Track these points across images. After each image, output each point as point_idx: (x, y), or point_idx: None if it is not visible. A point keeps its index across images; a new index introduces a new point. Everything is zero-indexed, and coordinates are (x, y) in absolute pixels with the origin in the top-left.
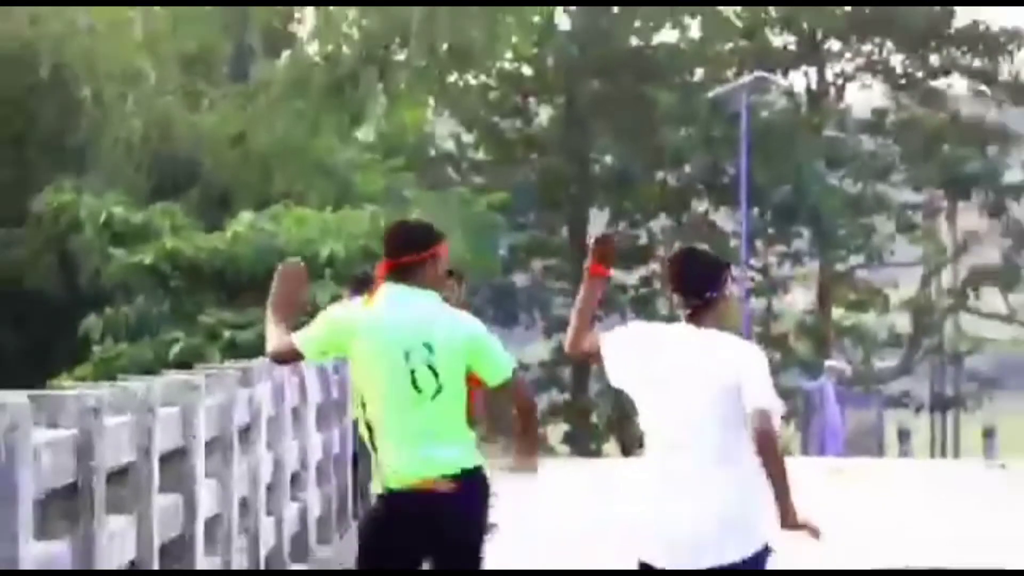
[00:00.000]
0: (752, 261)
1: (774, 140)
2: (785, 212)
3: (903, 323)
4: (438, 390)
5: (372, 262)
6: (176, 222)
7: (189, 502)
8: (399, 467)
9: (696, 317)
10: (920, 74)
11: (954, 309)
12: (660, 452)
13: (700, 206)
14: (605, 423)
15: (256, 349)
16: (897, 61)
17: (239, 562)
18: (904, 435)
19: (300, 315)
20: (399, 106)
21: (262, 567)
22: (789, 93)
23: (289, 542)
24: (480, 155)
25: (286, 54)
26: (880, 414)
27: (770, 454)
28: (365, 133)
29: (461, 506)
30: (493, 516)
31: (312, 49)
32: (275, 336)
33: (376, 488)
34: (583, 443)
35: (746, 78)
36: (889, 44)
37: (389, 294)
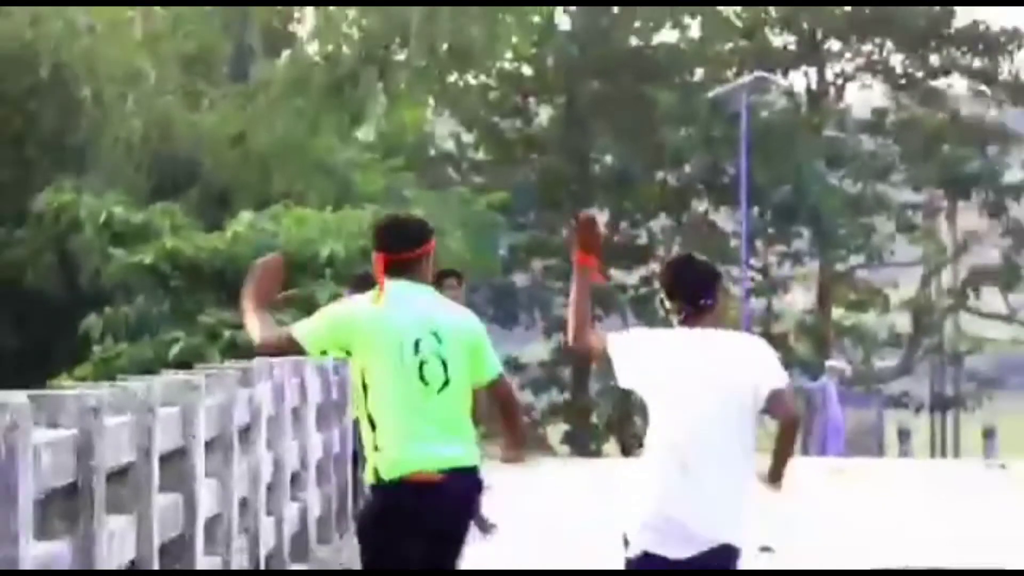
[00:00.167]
0: (752, 261)
1: (774, 140)
2: (785, 212)
3: (903, 323)
4: (445, 383)
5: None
6: (176, 222)
7: (189, 502)
8: (400, 459)
9: (690, 323)
10: (920, 74)
11: (954, 309)
12: (666, 452)
13: (700, 206)
14: (605, 423)
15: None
16: (897, 61)
17: (239, 562)
18: (904, 435)
19: (273, 308)
20: (399, 106)
21: (262, 567)
22: (789, 93)
23: (289, 542)
24: (480, 155)
25: (286, 54)
26: (880, 414)
27: (791, 431)
28: (365, 133)
29: (453, 498)
30: (493, 516)
31: (312, 49)
32: (263, 326)
33: (369, 478)
34: (583, 443)
35: (746, 78)
36: (889, 44)
37: (394, 289)
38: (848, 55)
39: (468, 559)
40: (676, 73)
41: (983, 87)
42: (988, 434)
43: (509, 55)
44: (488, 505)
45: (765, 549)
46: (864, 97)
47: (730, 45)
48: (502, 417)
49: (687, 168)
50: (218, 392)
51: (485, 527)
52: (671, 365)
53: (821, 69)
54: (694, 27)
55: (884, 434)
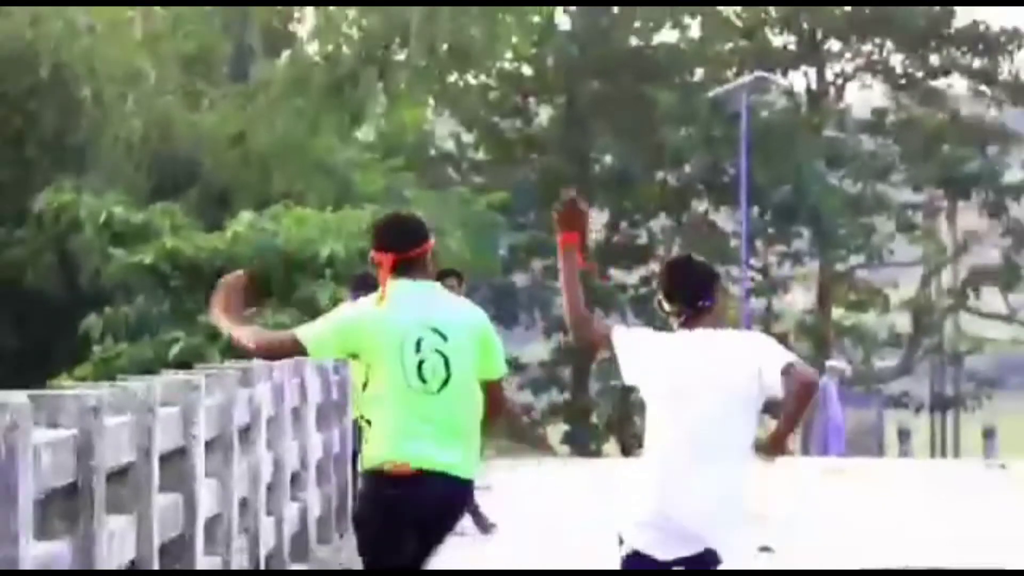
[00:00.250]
0: (752, 261)
1: (774, 140)
2: (785, 212)
3: (903, 323)
4: (445, 381)
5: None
6: (176, 222)
7: (189, 502)
8: (379, 453)
9: (689, 325)
10: (920, 74)
11: (954, 309)
12: (665, 452)
13: (700, 206)
14: (605, 423)
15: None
16: (897, 61)
17: (239, 562)
18: (904, 435)
19: (246, 320)
20: (399, 106)
21: (262, 567)
22: (789, 93)
23: (289, 542)
24: (480, 155)
25: (286, 54)
26: (880, 414)
27: (808, 390)
28: (365, 133)
29: (435, 498)
30: (493, 515)
31: (312, 49)
32: (252, 331)
33: (366, 464)
34: (583, 443)
35: (746, 78)
36: (889, 44)
37: (397, 289)
38: (848, 55)
39: (469, 559)
40: (676, 73)
41: (983, 87)
42: (988, 434)
43: (509, 55)
44: (488, 505)
45: (765, 549)
46: (864, 97)
47: (730, 45)
48: (488, 411)
49: (687, 168)
50: (218, 392)
51: (485, 527)
52: (671, 366)
53: (821, 69)
54: (694, 27)
55: (884, 434)
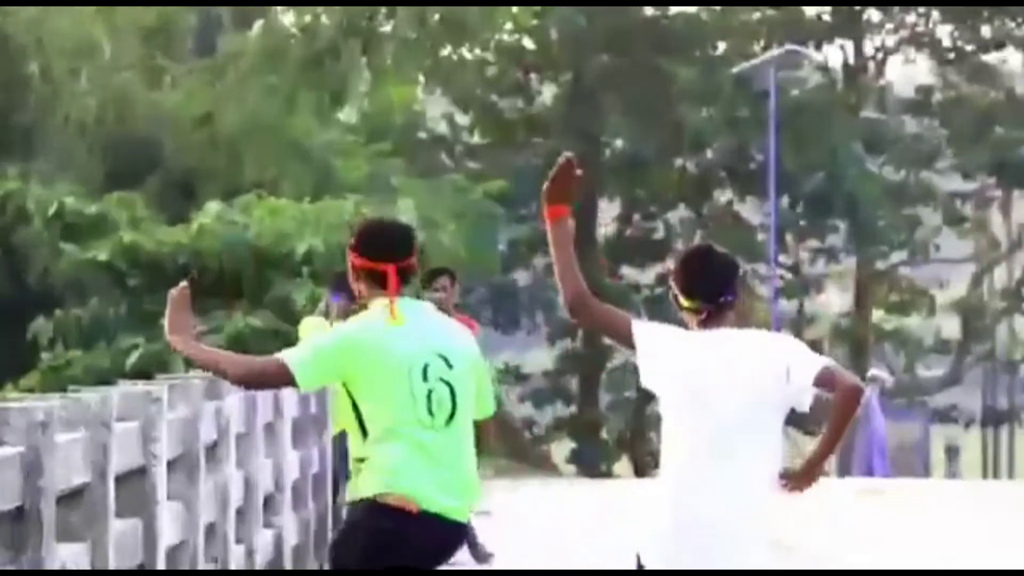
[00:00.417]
0: (781, 258)
1: (806, 121)
2: (818, 202)
3: (951, 327)
4: (451, 414)
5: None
6: (135, 213)
7: (149, 527)
8: (393, 489)
9: (710, 323)
10: (970, 47)
11: (1008, 311)
12: (686, 460)
13: (723, 196)
14: (616, 440)
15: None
16: (944, 33)
17: None
18: (952, 452)
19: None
20: (385, 83)
21: None
22: (823, 68)
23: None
24: (476, 138)
25: (258, 25)
26: (926, 429)
27: (853, 401)
28: (347, 113)
29: (431, 540)
30: (490, 544)
31: (287, 19)
32: (231, 359)
33: (349, 496)
34: (591, 462)
35: (775, 52)
36: (935, 14)
37: (404, 305)
38: (890, 26)
39: None
40: (696, 46)
41: None
42: None
43: (508, 26)
44: (486, 531)
45: None
46: (907, 73)
47: (757, 15)
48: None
49: (708, 153)
50: (182, 405)
51: (481, 555)
52: (689, 368)
53: (859, 42)
54: None
55: (930, 452)
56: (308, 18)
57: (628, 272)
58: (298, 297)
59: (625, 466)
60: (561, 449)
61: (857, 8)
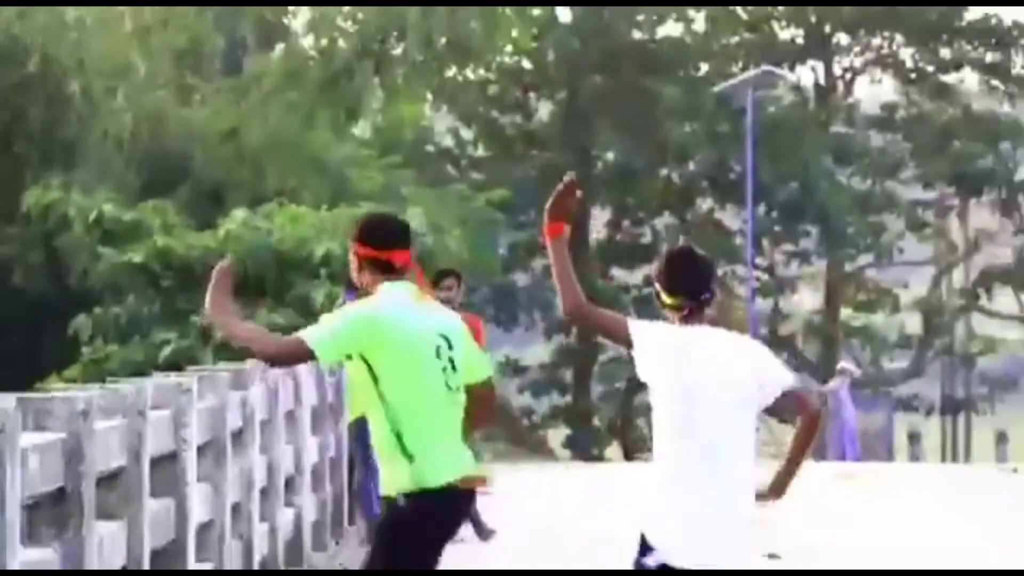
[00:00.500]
0: (758, 260)
1: (781, 136)
2: (792, 210)
3: (913, 324)
4: (457, 388)
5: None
6: (167, 220)
7: (180, 507)
8: (440, 467)
9: (692, 319)
10: (930, 68)
11: (965, 309)
12: (685, 453)
13: (705, 203)
14: (607, 427)
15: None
16: (907, 55)
17: (232, 569)
18: (914, 439)
19: (243, 318)
20: (396, 101)
21: None
22: (796, 88)
23: (283, 548)
24: (479, 151)
25: (280, 47)
26: (890, 417)
27: (814, 427)
28: (361, 129)
29: (466, 505)
30: (492, 521)
31: (307, 42)
32: (260, 334)
33: (399, 487)
34: (585, 447)
35: (752, 72)
36: (899, 38)
37: (411, 289)
38: (857, 49)
39: (468, 566)
40: (680, 67)
41: (995, 81)
42: (1000, 438)
43: (509, 49)
44: (488, 510)
45: (772, 556)
46: (873, 92)
47: (736, 39)
48: (477, 415)
49: (691, 164)
50: (210, 395)
51: (484, 533)
52: (681, 362)
53: (829, 63)
54: (699, 20)
55: (894, 438)
56: (326, 42)
57: (618, 274)
58: (317, 296)
59: (616, 450)
60: (557, 435)
61: (827, 32)
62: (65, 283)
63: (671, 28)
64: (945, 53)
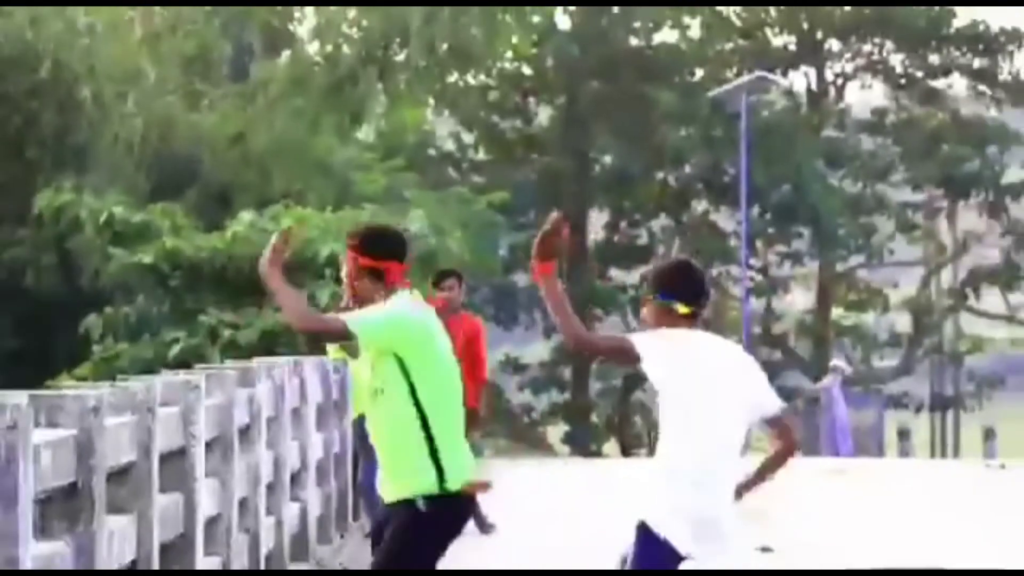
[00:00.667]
0: (752, 261)
1: (774, 140)
2: (785, 212)
3: (903, 323)
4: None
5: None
6: (176, 222)
7: (189, 501)
8: (463, 468)
9: (694, 322)
10: (920, 74)
11: (954, 309)
12: (699, 448)
13: (700, 206)
14: (605, 423)
15: (256, 349)
16: (897, 61)
17: (239, 562)
18: (904, 435)
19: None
20: (399, 106)
21: (262, 567)
22: (789, 93)
23: (289, 542)
24: (480, 155)
25: (286, 54)
26: (880, 414)
27: (788, 456)
28: (365, 133)
29: (474, 507)
30: (492, 515)
31: (312, 49)
32: (309, 311)
33: (430, 489)
34: (583, 443)
35: (746, 78)
36: (889, 44)
37: (419, 299)
38: (848, 55)
39: (468, 559)
40: (676, 73)
41: (983, 87)
42: (988, 435)
43: (509, 55)
44: (488, 505)
45: (765, 549)
46: (864, 97)
47: (730, 45)
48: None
49: (687, 168)
50: (218, 392)
51: (484, 526)
52: (697, 364)
53: (821, 69)
54: (694, 27)
55: (884, 434)
56: (330, 48)
57: (616, 274)
58: (321, 296)
59: (613, 446)
60: (556, 432)
61: (819, 38)
62: (76, 283)
63: (667, 35)
64: (934, 59)
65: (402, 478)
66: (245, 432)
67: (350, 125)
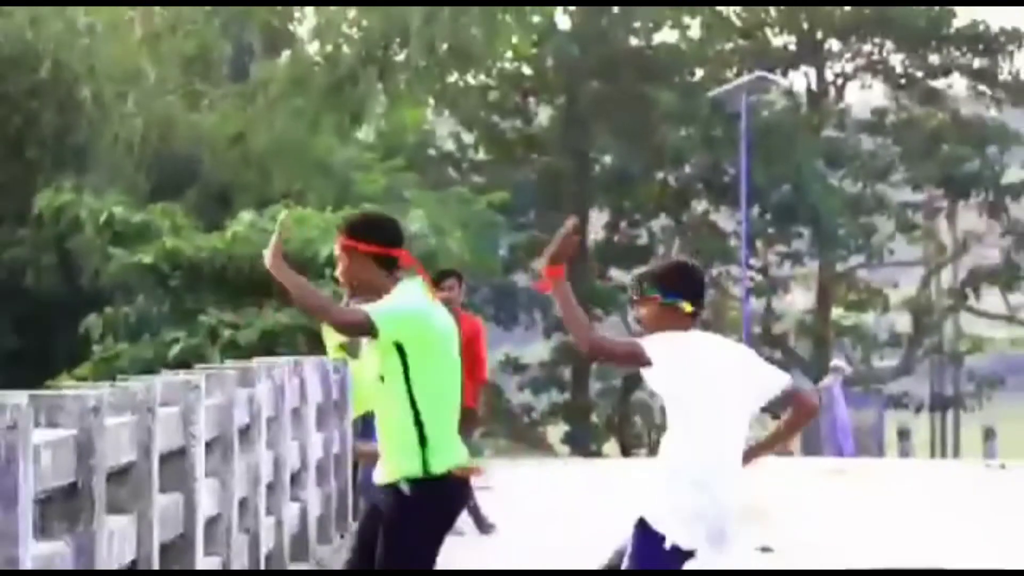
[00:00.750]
0: (752, 261)
1: (774, 140)
2: (785, 212)
3: (903, 323)
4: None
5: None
6: (176, 222)
7: (189, 501)
8: (449, 453)
9: (695, 322)
10: (920, 74)
11: (954, 309)
12: (709, 448)
13: (700, 206)
14: (605, 423)
15: (256, 349)
16: (897, 61)
17: (239, 562)
18: (904, 435)
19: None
20: (399, 106)
21: (262, 567)
22: (789, 93)
23: (289, 542)
24: (480, 155)
25: (286, 54)
26: (880, 414)
27: (808, 418)
28: (365, 133)
29: (466, 493)
30: (492, 515)
31: (312, 49)
32: (336, 304)
33: (411, 472)
34: (583, 443)
35: (746, 78)
36: (889, 44)
37: (425, 288)
38: (848, 55)
39: (468, 559)
40: (676, 73)
41: (983, 87)
42: (988, 434)
43: (509, 55)
44: (488, 504)
45: (765, 549)
46: (864, 97)
47: (730, 45)
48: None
49: (687, 168)
50: (218, 392)
51: (484, 526)
52: (707, 364)
53: (821, 69)
54: (694, 27)
55: (884, 434)
56: (330, 48)
57: (616, 274)
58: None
59: (613, 446)
60: (556, 431)
61: (819, 38)
62: (76, 283)
63: (667, 35)
64: (934, 59)
65: (391, 461)
66: (245, 432)
67: (350, 125)
